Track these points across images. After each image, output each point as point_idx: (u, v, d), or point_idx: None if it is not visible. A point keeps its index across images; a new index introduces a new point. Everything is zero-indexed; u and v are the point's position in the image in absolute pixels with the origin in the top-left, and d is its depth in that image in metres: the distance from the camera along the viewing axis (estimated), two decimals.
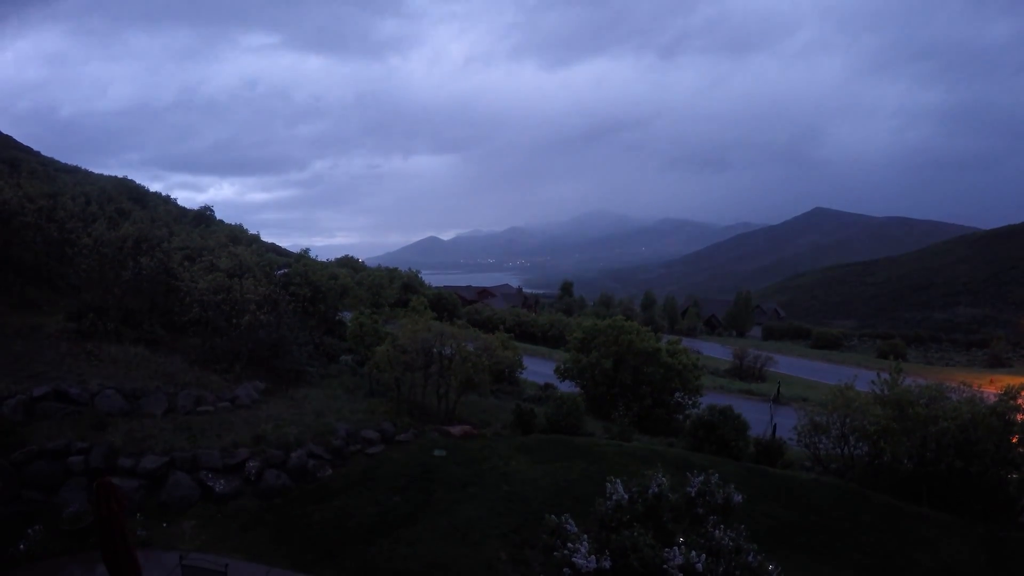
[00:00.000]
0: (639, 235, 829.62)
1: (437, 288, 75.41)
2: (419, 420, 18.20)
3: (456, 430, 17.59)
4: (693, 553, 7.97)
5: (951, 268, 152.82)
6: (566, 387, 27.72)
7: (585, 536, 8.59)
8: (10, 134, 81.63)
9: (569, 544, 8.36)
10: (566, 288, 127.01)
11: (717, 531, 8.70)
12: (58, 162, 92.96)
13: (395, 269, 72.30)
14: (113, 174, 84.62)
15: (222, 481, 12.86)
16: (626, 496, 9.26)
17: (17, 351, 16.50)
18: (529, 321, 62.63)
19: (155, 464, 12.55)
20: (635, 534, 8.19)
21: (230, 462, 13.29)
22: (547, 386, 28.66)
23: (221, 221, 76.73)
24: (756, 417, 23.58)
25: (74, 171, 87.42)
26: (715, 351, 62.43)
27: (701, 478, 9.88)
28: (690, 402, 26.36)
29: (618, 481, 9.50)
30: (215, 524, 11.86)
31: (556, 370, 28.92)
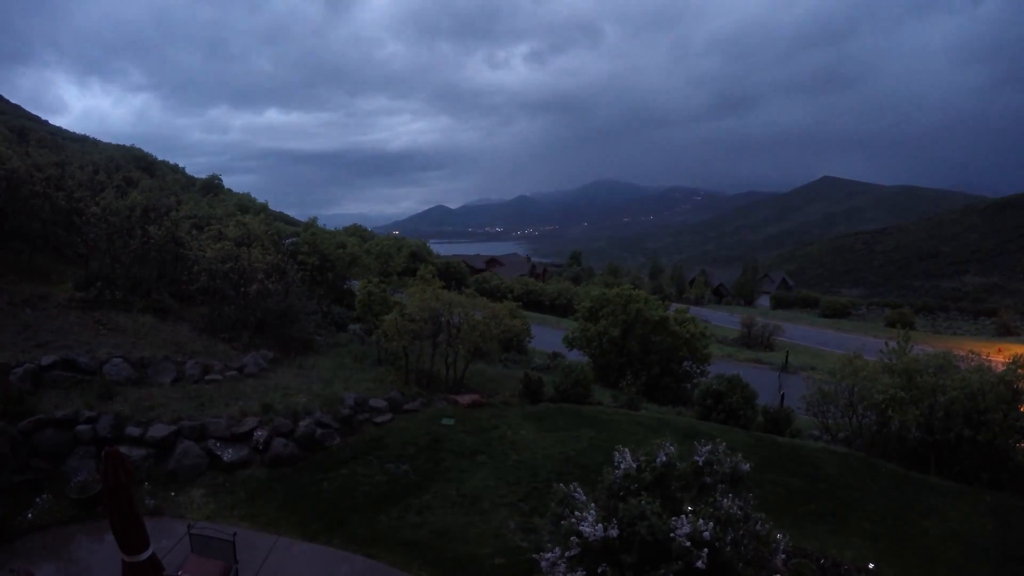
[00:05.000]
0: (647, 204, 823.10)
1: (445, 257, 75.44)
2: (427, 389, 18.23)
3: (464, 399, 17.60)
4: (700, 522, 7.92)
5: (959, 236, 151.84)
6: (574, 356, 27.73)
7: (593, 505, 8.56)
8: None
9: (577, 513, 8.34)
10: (574, 257, 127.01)
11: (725, 500, 8.66)
12: (66, 131, 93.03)
13: (403, 238, 72.30)
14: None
15: (230, 450, 12.89)
16: (634, 465, 9.21)
17: (25, 320, 16.52)
18: (537, 290, 62.62)
19: (163, 433, 12.58)
20: (642, 503, 8.15)
21: (238, 431, 13.32)
22: (555, 355, 28.67)
23: (229, 190, 76.69)
24: (764, 386, 23.57)
25: (82, 140, 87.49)
26: (723, 320, 62.36)
27: (709, 447, 9.81)
28: (698, 371, 26.39)
29: (626, 450, 9.43)
30: (223, 493, 11.91)
31: (564, 339, 28.94)
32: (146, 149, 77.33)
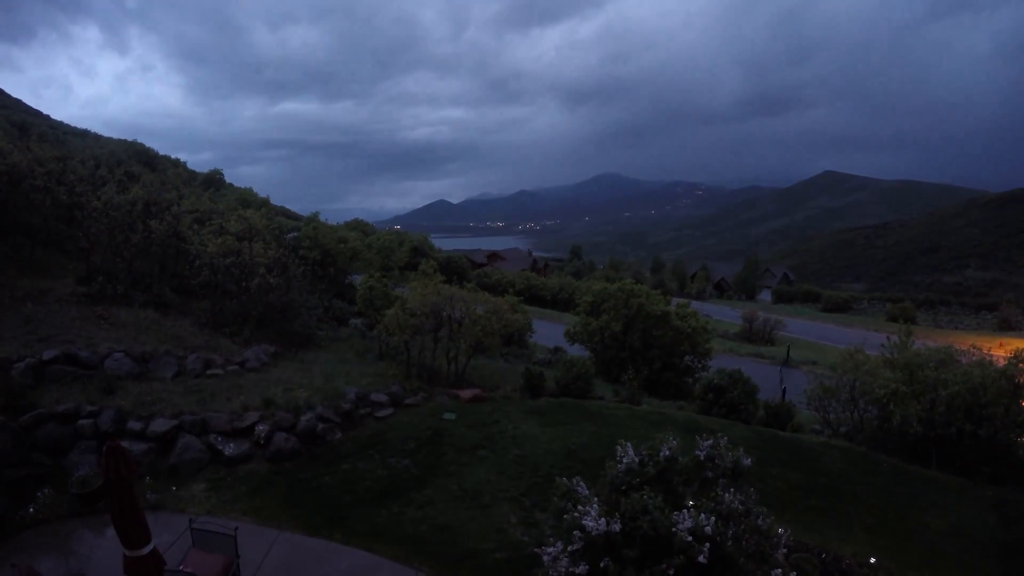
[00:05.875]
0: (649, 198, 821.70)
1: (446, 252, 75.48)
2: (429, 383, 18.21)
3: (466, 393, 17.59)
4: (702, 516, 7.92)
5: (961, 231, 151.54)
6: (576, 350, 27.72)
7: (595, 499, 8.55)
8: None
9: (579, 507, 8.33)
10: (576, 252, 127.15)
11: (727, 494, 8.65)
12: (67, 125, 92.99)
13: (405, 232, 72.30)
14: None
15: (231, 444, 12.89)
16: (636, 459, 9.20)
17: (27, 314, 16.53)
18: (539, 285, 62.59)
19: (164, 427, 12.59)
20: (644, 497, 8.14)
21: (239, 425, 13.31)
22: (557, 349, 28.67)
23: (231, 184, 76.70)
24: (766, 380, 23.54)
25: (83, 135, 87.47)
26: (724, 314, 62.27)
27: (710, 442, 9.81)
28: (700, 365, 26.36)
29: (628, 444, 9.43)
30: (225, 487, 11.91)
31: (566, 333, 28.93)
32: (151, 139, 77.71)
